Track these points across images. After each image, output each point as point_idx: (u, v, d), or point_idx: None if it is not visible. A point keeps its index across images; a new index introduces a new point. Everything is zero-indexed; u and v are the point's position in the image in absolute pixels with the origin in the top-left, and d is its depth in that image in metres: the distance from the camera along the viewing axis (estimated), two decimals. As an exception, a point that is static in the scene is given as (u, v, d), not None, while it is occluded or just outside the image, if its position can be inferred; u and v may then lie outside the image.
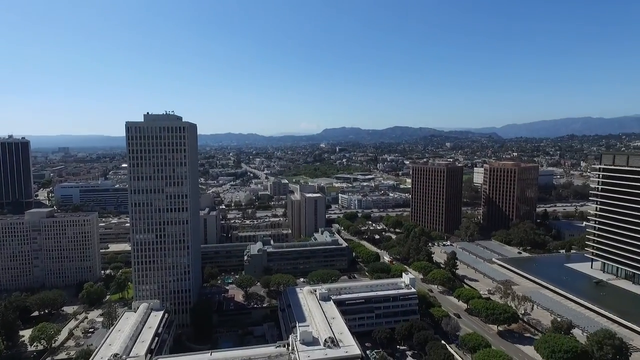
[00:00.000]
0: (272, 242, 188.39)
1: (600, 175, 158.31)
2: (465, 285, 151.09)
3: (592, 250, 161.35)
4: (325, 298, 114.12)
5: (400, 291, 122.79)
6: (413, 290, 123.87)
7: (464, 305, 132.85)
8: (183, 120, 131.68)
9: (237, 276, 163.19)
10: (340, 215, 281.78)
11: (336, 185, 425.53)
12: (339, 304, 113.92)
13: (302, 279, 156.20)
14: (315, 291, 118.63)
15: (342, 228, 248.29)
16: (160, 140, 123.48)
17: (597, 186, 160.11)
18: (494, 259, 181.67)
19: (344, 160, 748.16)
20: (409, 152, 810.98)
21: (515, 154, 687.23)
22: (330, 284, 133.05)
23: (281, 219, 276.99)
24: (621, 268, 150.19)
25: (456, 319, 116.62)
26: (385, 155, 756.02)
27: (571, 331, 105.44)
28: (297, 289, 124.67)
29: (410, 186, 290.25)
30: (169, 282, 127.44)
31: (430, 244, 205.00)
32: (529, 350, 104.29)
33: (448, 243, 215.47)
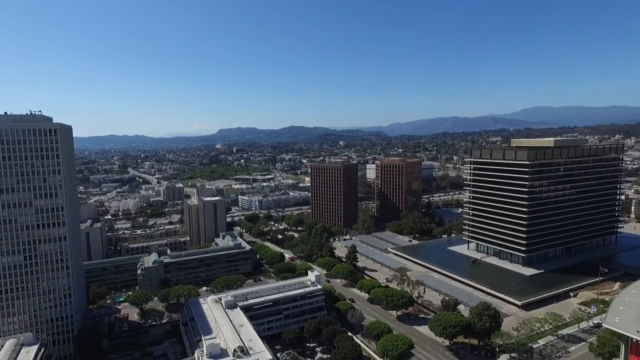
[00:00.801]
0: (169, 251, 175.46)
1: (471, 167, 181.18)
2: (366, 276, 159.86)
3: (467, 233, 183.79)
4: (231, 306, 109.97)
5: (307, 289, 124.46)
6: (319, 287, 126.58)
7: (366, 295, 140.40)
8: (54, 121, 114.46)
9: (130, 293, 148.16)
10: (242, 218, 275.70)
11: (235, 186, 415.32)
12: (247, 309, 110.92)
13: (205, 288, 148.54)
14: (221, 299, 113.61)
15: (244, 230, 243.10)
16: (26, 146, 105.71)
17: (469, 177, 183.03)
18: (389, 249, 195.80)
19: (242, 161, 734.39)
20: (305, 151, 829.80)
21: (400, 150, 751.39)
22: (236, 290, 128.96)
23: (178, 225, 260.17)
24: (490, 247, 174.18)
25: (360, 310, 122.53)
26: (283, 155, 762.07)
27: (457, 307, 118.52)
28: (201, 300, 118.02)
29: (309, 184, 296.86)
30: (44, 309, 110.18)
31: (331, 240, 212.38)
32: (425, 329, 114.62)
33: (348, 237, 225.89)
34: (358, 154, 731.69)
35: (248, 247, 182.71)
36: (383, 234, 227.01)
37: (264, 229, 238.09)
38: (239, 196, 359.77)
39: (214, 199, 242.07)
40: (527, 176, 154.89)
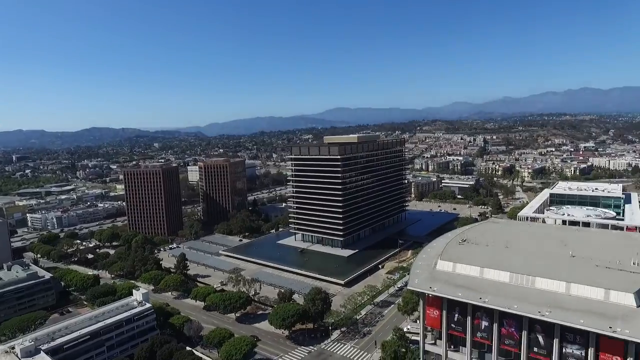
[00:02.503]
0: None
1: (292, 164, 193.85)
2: (199, 284, 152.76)
3: (293, 226, 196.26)
4: (30, 353, 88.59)
5: (134, 311, 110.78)
6: (148, 305, 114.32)
7: (202, 304, 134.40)
8: None
9: None
10: (35, 240, 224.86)
11: (21, 203, 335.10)
12: (56, 352, 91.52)
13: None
14: (14, 349, 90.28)
15: (40, 255, 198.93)
16: None
17: (291, 172, 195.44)
18: (220, 252, 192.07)
19: (28, 171, 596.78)
20: (114, 156, 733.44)
21: (221, 150, 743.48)
22: (36, 332, 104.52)
23: None
24: (314, 235, 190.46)
25: (197, 321, 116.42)
26: (85, 161, 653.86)
27: (293, 297, 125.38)
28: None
29: (123, 193, 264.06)
30: None
31: (156, 251, 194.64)
32: (265, 325, 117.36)
33: (175, 245, 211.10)
34: (177, 156, 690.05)
35: (47, 275, 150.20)
36: (213, 237, 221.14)
37: (68, 250, 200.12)
38: (28, 214, 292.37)
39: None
40: (339, 169, 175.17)
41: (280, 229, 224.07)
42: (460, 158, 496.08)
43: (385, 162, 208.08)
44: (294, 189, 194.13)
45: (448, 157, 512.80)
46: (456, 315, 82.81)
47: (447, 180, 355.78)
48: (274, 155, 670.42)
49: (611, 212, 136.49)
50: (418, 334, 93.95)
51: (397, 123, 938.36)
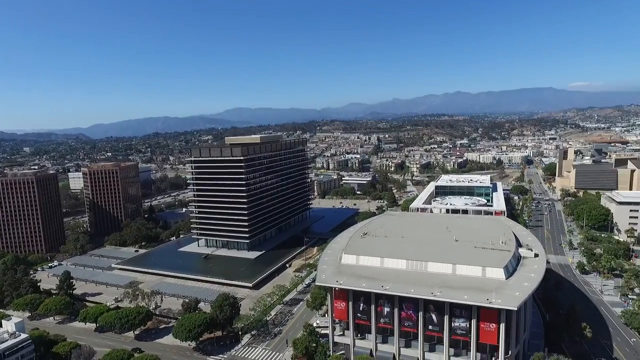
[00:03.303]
0: None
1: (193, 167, 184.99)
2: (89, 304, 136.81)
3: (196, 231, 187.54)
4: None
5: (4, 345, 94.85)
6: (23, 336, 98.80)
7: (94, 325, 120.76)
8: None
9: None
10: None
11: None
12: None
13: None
14: None
15: None
16: None
17: (192, 175, 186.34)
18: (113, 265, 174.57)
19: None
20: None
21: (109, 154, 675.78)
22: None
23: None
24: (219, 240, 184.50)
25: (88, 346, 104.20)
26: None
27: (198, 306, 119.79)
28: None
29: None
30: None
31: (32, 272, 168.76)
32: (169, 339, 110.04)
33: (56, 263, 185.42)
34: (54, 161, 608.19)
35: None
36: (103, 250, 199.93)
37: None
38: None
39: None
40: (243, 170, 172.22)
41: (182, 236, 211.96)
42: (358, 156, 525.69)
43: (289, 162, 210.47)
44: (196, 193, 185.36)
45: (347, 156, 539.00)
46: (361, 304, 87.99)
47: (347, 178, 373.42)
48: (171, 158, 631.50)
49: (483, 200, 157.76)
50: (327, 327, 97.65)
51: (297, 123, 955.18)
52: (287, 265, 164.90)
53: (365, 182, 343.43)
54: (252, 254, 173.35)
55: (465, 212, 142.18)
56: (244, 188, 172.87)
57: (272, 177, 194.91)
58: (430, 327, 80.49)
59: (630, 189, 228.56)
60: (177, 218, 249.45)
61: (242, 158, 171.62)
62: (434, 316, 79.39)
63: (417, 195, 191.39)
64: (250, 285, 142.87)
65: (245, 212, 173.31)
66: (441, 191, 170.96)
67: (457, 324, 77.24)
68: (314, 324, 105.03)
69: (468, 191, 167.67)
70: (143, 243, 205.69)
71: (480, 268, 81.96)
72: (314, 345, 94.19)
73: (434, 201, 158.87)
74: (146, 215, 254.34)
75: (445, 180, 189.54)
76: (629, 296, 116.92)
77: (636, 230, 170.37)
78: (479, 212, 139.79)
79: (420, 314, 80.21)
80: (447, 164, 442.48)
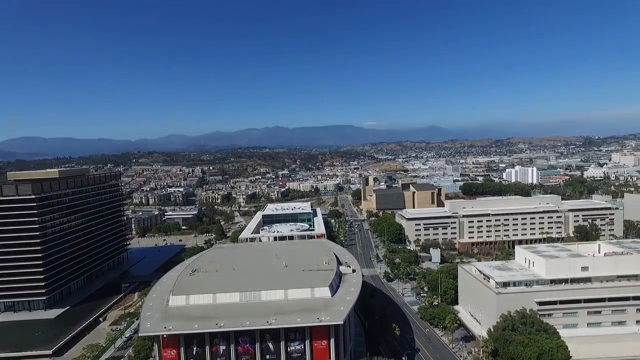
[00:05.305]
0: None
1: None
2: None
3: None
4: None
5: None
6: None
7: None
8: None
9: None
10: None
11: None
12: None
13: None
14: None
15: None
16: None
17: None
18: None
19: None
20: None
21: None
22: None
23: None
24: (1, 302, 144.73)
25: None
26: None
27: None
28: None
29: None
30: None
31: None
32: None
33: None
34: None
35: None
36: None
37: None
38: None
39: None
40: (35, 211, 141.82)
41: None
42: (181, 189, 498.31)
43: (98, 199, 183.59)
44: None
45: (169, 189, 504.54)
46: (195, 348, 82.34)
47: (170, 213, 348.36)
48: None
49: (306, 225, 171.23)
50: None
51: (108, 155, 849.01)
52: (101, 318, 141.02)
53: (190, 215, 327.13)
54: (52, 313, 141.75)
55: (291, 238, 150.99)
56: (38, 233, 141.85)
57: (77, 218, 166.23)
58: (267, 356, 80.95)
59: (414, 207, 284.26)
60: None
61: (34, 197, 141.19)
62: (270, 345, 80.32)
63: (246, 226, 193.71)
64: (50, 352, 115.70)
65: (41, 262, 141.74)
66: (268, 220, 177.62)
67: (292, 347, 80.00)
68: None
69: (292, 218, 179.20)
70: None
71: (309, 289, 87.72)
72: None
73: (262, 230, 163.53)
74: None
75: (271, 209, 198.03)
76: (421, 294, 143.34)
77: (421, 240, 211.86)
78: (303, 237, 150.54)
79: (257, 345, 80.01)
80: (272, 194, 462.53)
